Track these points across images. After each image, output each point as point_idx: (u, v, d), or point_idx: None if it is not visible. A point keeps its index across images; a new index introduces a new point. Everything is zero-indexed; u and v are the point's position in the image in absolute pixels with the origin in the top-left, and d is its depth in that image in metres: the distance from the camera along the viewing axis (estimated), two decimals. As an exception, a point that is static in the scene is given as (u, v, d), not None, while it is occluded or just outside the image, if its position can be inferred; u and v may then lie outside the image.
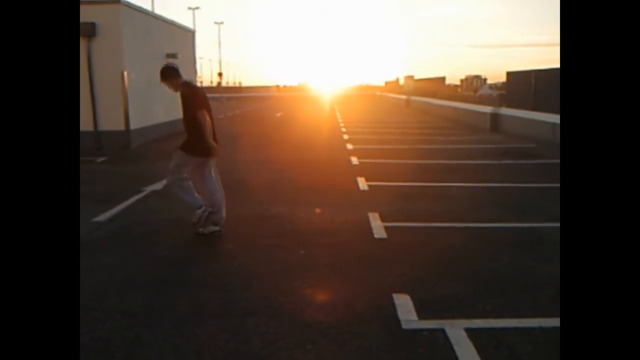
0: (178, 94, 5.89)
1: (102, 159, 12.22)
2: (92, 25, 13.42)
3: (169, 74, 5.84)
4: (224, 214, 5.96)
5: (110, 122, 13.92)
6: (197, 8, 68.62)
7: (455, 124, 21.30)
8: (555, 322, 3.70)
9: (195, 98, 5.78)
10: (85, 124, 13.72)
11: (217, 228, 5.92)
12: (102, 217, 6.79)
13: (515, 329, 3.71)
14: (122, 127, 14.01)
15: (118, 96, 13.86)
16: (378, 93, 62.03)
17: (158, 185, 8.78)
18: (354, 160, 11.61)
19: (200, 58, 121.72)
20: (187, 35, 20.79)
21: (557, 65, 16.01)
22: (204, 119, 5.64)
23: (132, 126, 14.23)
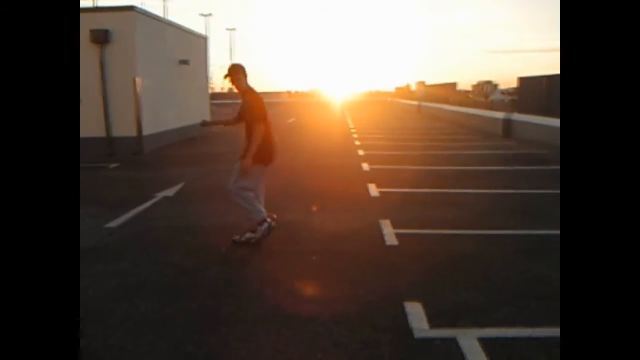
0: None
1: (114, 165, 12.30)
2: (106, 32, 13.56)
3: (236, 71, 5.73)
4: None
5: (123, 128, 14.03)
6: (210, 15, 69.45)
7: (467, 130, 21.22)
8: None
9: (256, 108, 5.69)
10: (98, 130, 13.85)
11: (253, 235, 5.81)
12: (114, 223, 6.83)
13: (529, 338, 3.67)
14: (134, 133, 14.11)
15: (130, 102, 13.97)
16: (389, 99, 61.98)
17: (170, 192, 8.82)
18: (365, 166, 11.59)
19: (212, 65, 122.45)
20: (199, 42, 20.94)
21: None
22: (259, 132, 5.58)
23: (145, 132, 14.34)
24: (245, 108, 5.76)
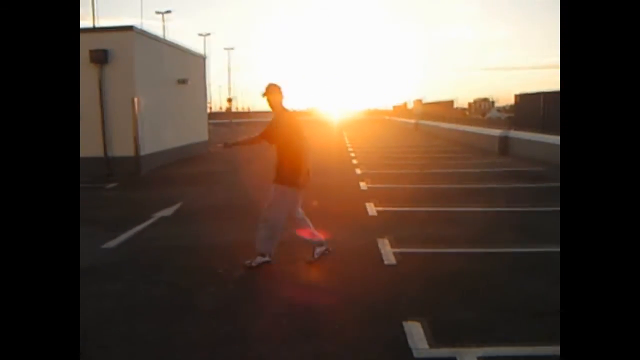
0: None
1: (111, 185, 12.28)
2: (105, 52, 13.61)
3: (272, 91, 5.66)
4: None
5: (121, 148, 14.02)
6: (208, 34, 70.25)
7: (464, 148, 21.28)
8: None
9: (300, 127, 5.74)
10: (96, 149, 13.84)
11: (266, 259, 5.72)
12: (111, 243, 6.80)
13: (529, 356, 3.65)
14: (132, 153, 14.08)
15: (129, 122, 13.96)
16: (387, 117, 62.11)
17: (167, 212, 8.80)
18: (363, 185, 11.59)
19: (210, 84, 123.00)
20: (198, 61, 21.05)
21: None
22: (308, 150, 5.67)
23: (143, 152, 14.31)
24: (280, 129, 5.69)
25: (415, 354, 3.70)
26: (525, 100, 20.13)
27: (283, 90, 5.72)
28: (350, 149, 21.87)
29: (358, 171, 14.08)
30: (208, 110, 29.87)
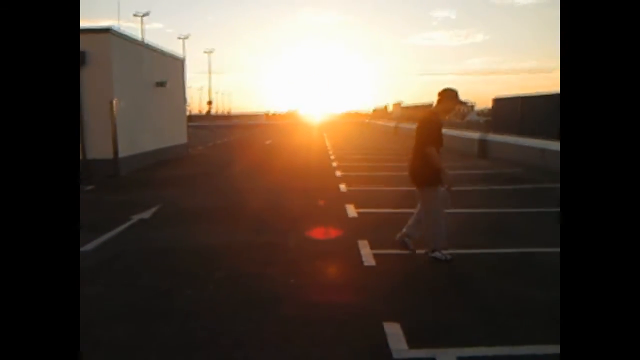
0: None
1: (89, 187, 12.12)
2: (82, 54, 13.44)
3: (447, 96, 6.32)
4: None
5: (99, 150, 13.85)
6: (187, 37, 69.77)
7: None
8: (547, 349, 3.67)
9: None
10: (73, 152, 13.64)
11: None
12: (89, 246, 6.71)
13: (508, 356, 3.67)
14: (110, 156, 13.94)
15: (107, 124, 13.83)
16: (367, 120, 62.42)
17: (146, 214, 8.71)
18: (343, 187, 11.60)
19: (189, 87, 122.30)
20: (176, 63, 20.92)
21: (543, 91, 16.24)
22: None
23: (121, 154, 14.18)
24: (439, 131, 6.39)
25: (395, 355, 3.70)
26: (503, 104, 20.32)
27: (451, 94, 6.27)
28: (330, 152, 21.89)
29: (338, 173, 14.10)
30: (187, 113, 29.67)
